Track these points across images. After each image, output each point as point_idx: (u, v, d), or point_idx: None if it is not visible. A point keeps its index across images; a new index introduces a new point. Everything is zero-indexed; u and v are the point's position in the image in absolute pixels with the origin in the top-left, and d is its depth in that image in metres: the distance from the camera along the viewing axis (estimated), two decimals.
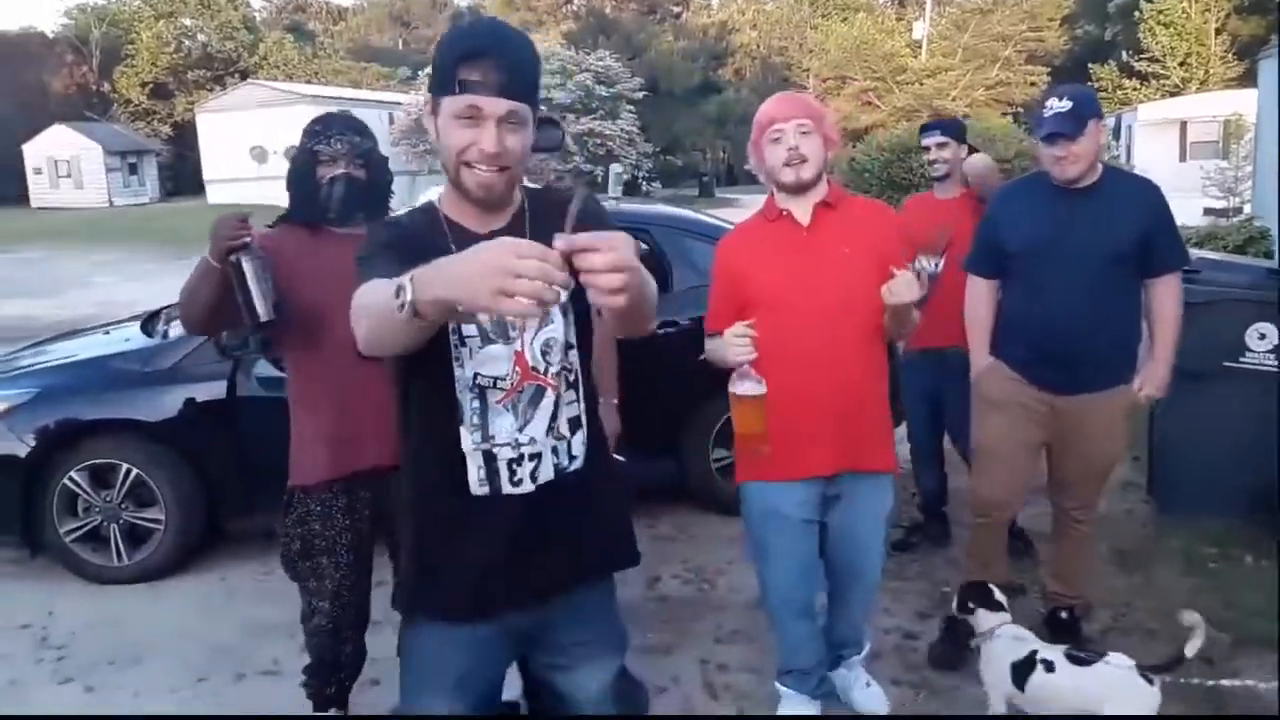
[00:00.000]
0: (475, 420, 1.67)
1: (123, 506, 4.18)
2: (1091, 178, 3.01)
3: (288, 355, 2.74)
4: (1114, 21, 38.59)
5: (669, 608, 3.86)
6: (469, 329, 1.64)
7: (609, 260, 1.23)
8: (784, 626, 2.92)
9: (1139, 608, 3.63)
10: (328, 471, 2.64)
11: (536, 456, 1.71)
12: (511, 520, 1.72)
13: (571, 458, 1.76)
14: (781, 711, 3.00)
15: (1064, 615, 3.38)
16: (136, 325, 4.87)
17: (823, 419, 2.63)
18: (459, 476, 1.69)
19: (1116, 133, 25.54)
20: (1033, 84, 38.54)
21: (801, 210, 2.67)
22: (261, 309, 2.48)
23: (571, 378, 1.75)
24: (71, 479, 4.13)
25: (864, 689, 3.10)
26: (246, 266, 2.47)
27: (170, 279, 14.03)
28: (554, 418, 1.73)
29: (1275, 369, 4.15)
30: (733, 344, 2.45)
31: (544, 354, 1.71)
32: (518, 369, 1.68)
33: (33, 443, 4.10)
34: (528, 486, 1.71)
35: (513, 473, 1.70)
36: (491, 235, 1.64)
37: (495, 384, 1.67)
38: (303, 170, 2.65)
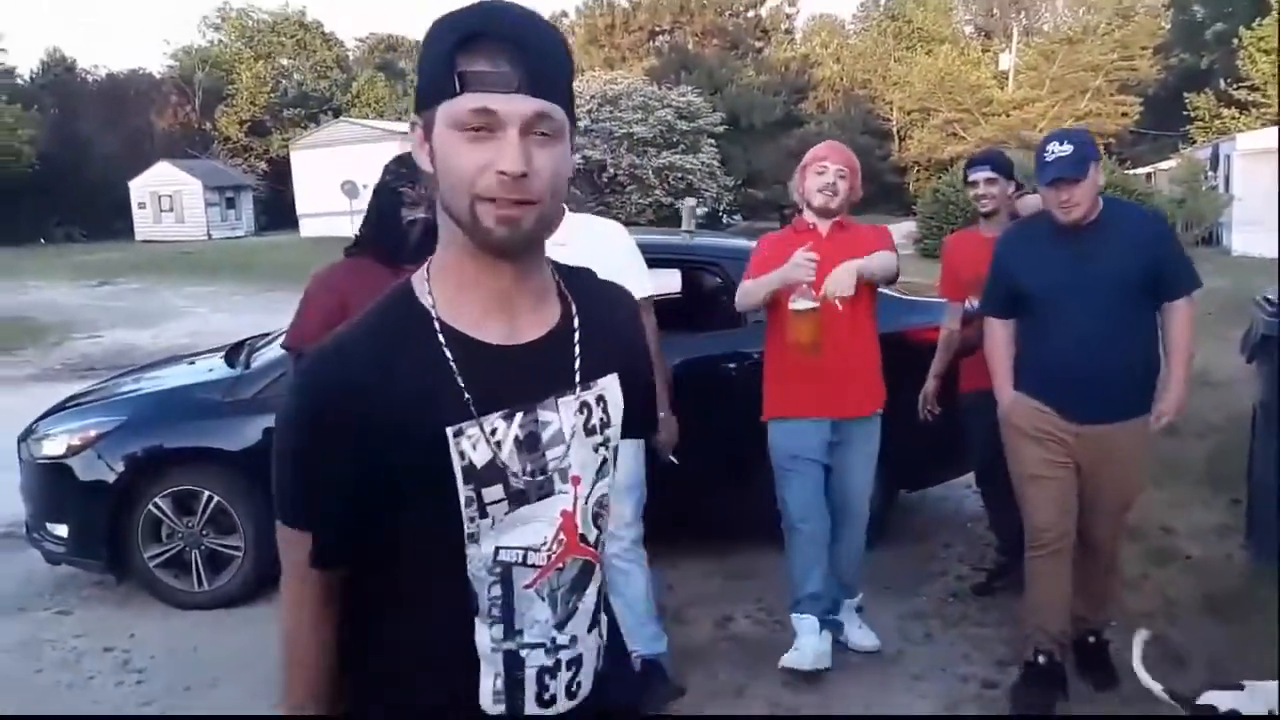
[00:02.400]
0: (495, 612, 1.16)
1: (204, 533, 4.28)
2: (1093, 214, 3.10)
3: None
4: (1211, 49, 37.50)
5: (740, 648, 3.79)
6: (492, 491, 1.12)
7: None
8: (798, 548, 3.49)
9: (1234, 662, 3.44)
10: None
11: (576, 663, 1.21)
12: None
13: (604, 656, 1.28)
14: (798, 638, 3.47)
15: (1091, 640, 3.38)
16: (220, 356, 5.00)
17: (831, 384, 3.38)
18: (466, 690, 1.18)
19: (1215, 163, 24.71)
20: (1124, 114, 37.71)
21: (823, 227, 3.50)
22: None
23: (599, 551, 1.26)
24: (156, 505, 4.24)
25: (858, 629, 3.71)
26: None
27: (257, 312, 14.45)
28: (598, 607, 1.25)
29: None
30: (801, 264, 3.14)
31: (596, 517, 1.23)
32: (562, 537, 1.18)
33: (120, 469, 4.22)
34: (562, 706, 1.21)
35: (543, 687, 1.19)
36: (520, 350, 1.16)
37: (525, 559, 1.16)
38: (386, 208, 2.71)
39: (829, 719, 3.27)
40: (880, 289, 3.61)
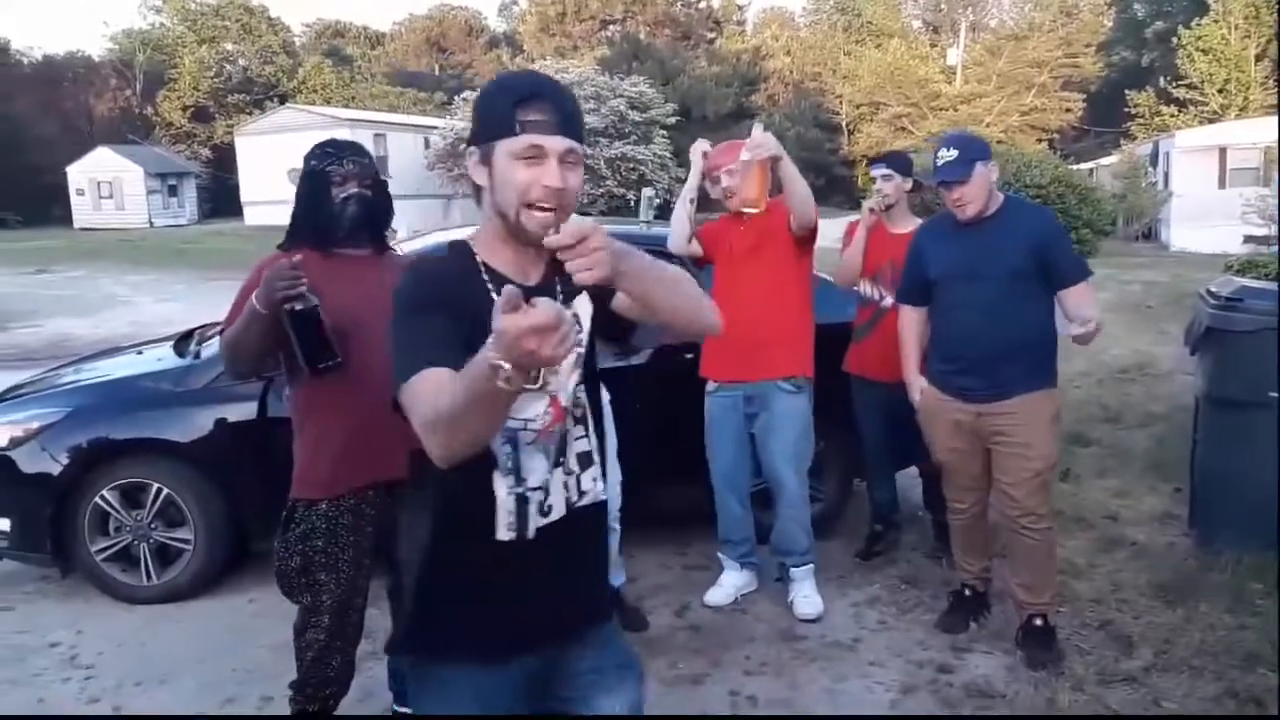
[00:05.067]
0: (509, 465, 1.65)
1: (153, 526, 4.19)
2: (992, 209, 3.43)
3: (297, 373, 2.71)
4: (1151, 48, 38.34)
5: (699, 637, 3.80)
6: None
7: (572, 234, 1.40)
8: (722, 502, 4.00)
9: (1182, 644, 3.53)
10: (345, 484, 2.64)
11: (545, 490, 1.71)
12: (534, 562, 1.70)
13: (581, 493, 1.75)
14: (723, 574, 4.08)
15: (1038, 623, 3.50)
16: (169, 345, 4.89)
17: (751, 337, 3.67)
18: (486, 522, 1.67)
19: (1154, 159, 25.27)
20: (1068, 110, 38.40)
21: (750, 212, 3.74)
22: (316, 357, 2.54)
23: (579, 413, 1.75)
24: (103, 498, 4.15)
25: (802, 598, 3.93)
26: (300, 314, 2.50)
27: (202, 300, 14.21)
28: (563, 453, 1.72)
29: None
30: (695, 153, 3.95)
31: (573, 392, 1.71)
32: (549, 410, 1.65)
33: (65, 461, 4.11)
34: (541, 521, 1.70)
35: (543, 513, 1.69)
36: (534, 289, 1.61)
37: (526, 426, 1.64)
38: (315, 191, 2.70)
39: (798, 719, 3.29)
40: (824, 277, 4.19)
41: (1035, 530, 3.44)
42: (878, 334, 4.24)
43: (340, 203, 2.67)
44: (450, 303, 1.58)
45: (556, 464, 1.71)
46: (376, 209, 2.76)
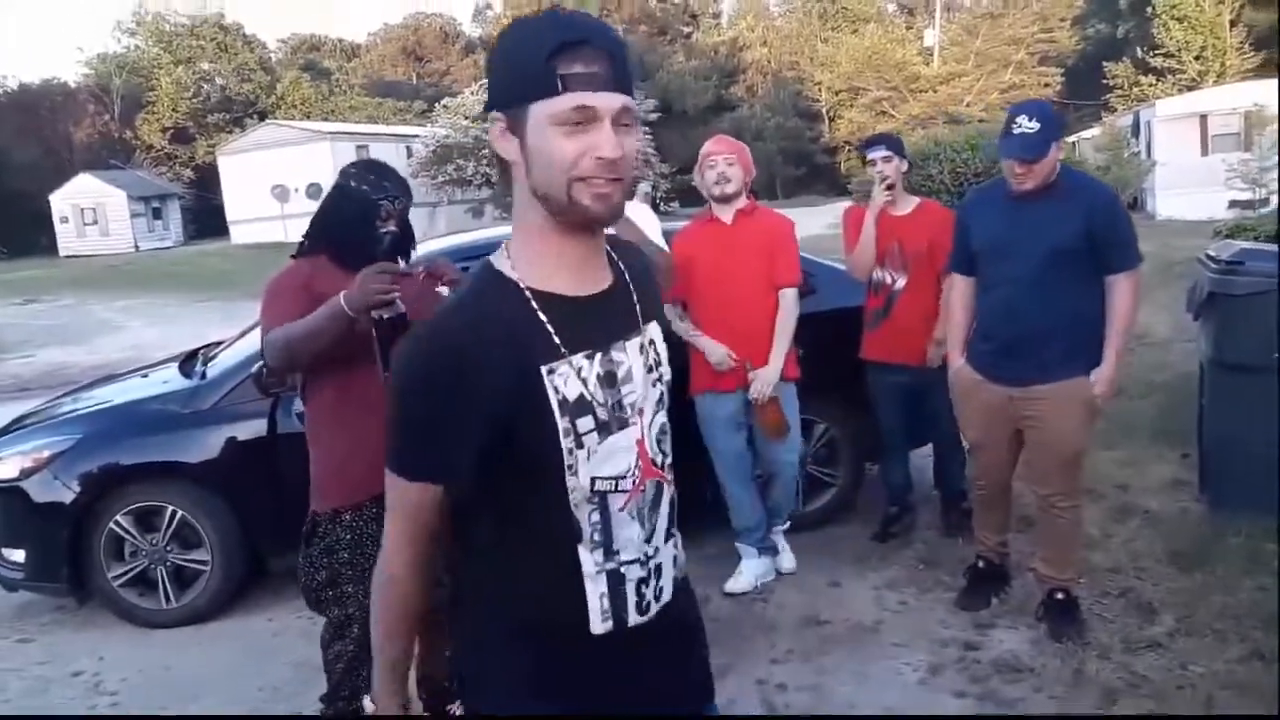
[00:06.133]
0: (597, 537, 1.35)
1: (169, 549, 4.18)
2: (1047, 183, 3.23)
3: (322, 379, 2.71)
4: (1126, 19, 38.44)
5: (721, 628, 3.79)
6: (584, 422, 1.31)
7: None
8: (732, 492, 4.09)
9: (1203, 609, 3.54)
10: (367, 490, 2.61)
11: (659, 571, 1.42)
12: (641, 658, 1.41)
13: (677, 564, 1.49)
14: (742, 563, 4.14)
15: (1060, 596, 3.51)
16: (174, 367, 4.88)
17: (740, 350, 3.86)
18: (576, 613, 1.35)
19: (1136, 130, 25.32)
20: (1047, 85, 38.46)
21: (727, 214, 3.96)
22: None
23: (664, 465, 1.46)
24: (117, 523, 4.14)
25: (782, 551, 4.26)
26: (389, 322, 2.55)
27: (193, 322, 14.14)
28: (671, 520, 1.45)
29: None
30: (721, 363, 3.89)
31: (660, 442, 1.44)
32: (640, 463, 1.38)
33: (77, 489, 4.10)
34: (654, 610, 1.41)
35: (640, 596, 1.39)
36: (601, 300, 1.37)
37: (617, 486, 1.35)
38: (361, 215, 2.71)
39: (824, 719, 3.30)
40: (832, 265, 4.42)
41: (1065, 509, 3.43)
42: (891, 318, 4.26)
43: (380, 235, 2.71)
44: (471, 372, 1.26)
45: (668, 537, 1.44)
46: (403, 243, 2.81)
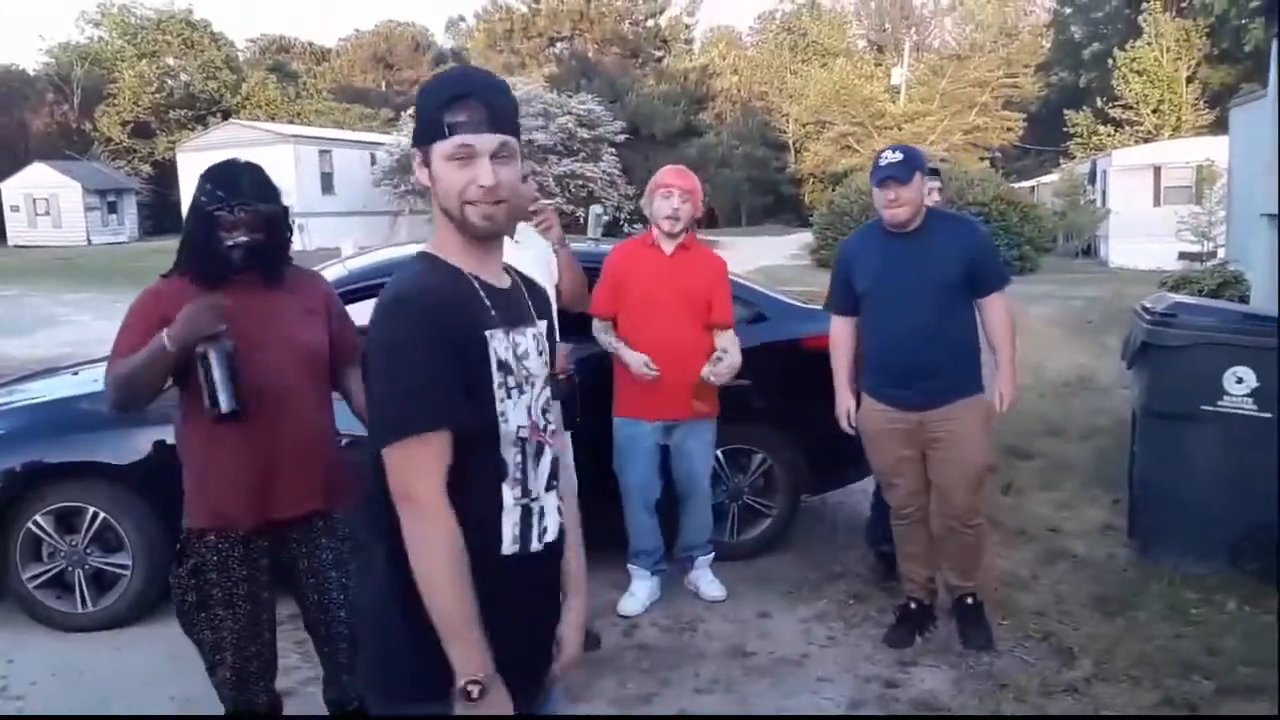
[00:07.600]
0: (517, 475, 1.66)
1: (88, 551, 4.08)
2: (917, 222, 3.55)
3: (184, 397, 2.59)
4: (1089, 69, 39.26)
5: (648, 655, 3.79)
6: (510, 380, 1.65)
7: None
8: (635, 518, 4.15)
9: (1121, 654, 3.59)
10: (228, 518, 2.54)
11: (543, 512, 1.71)
12: (534, 582, 1.71)
13: (561, 513, 1.78)
14: (634, 584, 4.21)
15: (969, 601, 3.76)
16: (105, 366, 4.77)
17: (665, 377, 3.89)
18: (492, 538, 1.63)
19: (1093, 177, 25.85)
20: (1009, 129, 39.16)
21: (668, 246, 4.08)
22: (225, 401, 2.42)
23: (554, 435, 1.79)
24: (36, 523, 4.03)
25: (709, 581, 4.29)
26: (214, 358, 2.40)
27: None
28: (553, 475, 1.75)
29: (1254, 412, 4.14)
30: (642, 372, 3.92)
31: (544, 412, 1.74)
32: (529, 423, 1.69)
33: None
34: (544, 539, 1.71)
35: (541, 530, 1.70)
36: (507, 294, 1.71)
37: (530, 435, 1.68)
38: (202, 229, 2.53)
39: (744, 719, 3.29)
40: (778, 296, 4.45)
41: (970, 528, 3.65)
42: None
43: (228, 249, 2.50)
44: (455, 336, 1.58)
45: (549, 487, 1.73)
46: (269, 250, 2.57)
